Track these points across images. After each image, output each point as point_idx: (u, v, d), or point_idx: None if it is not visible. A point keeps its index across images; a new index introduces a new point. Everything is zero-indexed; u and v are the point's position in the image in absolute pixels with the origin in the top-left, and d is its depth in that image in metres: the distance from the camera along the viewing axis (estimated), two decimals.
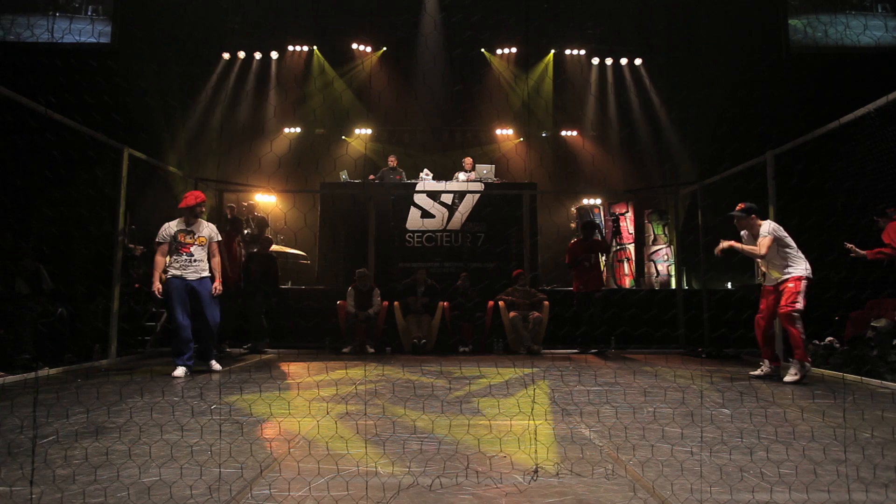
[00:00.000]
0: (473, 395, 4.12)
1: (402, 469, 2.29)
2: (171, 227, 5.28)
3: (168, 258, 5.28)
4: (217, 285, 5.36)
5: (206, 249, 5.34)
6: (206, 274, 5.32)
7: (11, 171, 6.26)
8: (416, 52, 12.68)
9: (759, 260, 5.29)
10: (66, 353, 5.81)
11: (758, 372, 5.28)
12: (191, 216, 5.31)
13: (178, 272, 5.18)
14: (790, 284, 4.90)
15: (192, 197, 5.37)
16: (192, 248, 5.24)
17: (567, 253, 7.91)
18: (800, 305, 4.83)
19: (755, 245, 5.04)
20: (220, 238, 5.48)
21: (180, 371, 5.04)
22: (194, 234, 5.28)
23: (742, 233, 5.24)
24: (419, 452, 2.54)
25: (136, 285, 7.07)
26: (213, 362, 5.47)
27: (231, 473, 2.23)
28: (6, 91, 4.77)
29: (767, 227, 5.01)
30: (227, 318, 7.23)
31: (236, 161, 11.93)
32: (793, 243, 4.99)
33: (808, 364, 4.91)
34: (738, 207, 5.17)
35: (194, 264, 5.23)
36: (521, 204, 9.03)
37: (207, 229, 5.40)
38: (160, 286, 5.19)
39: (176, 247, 5.22)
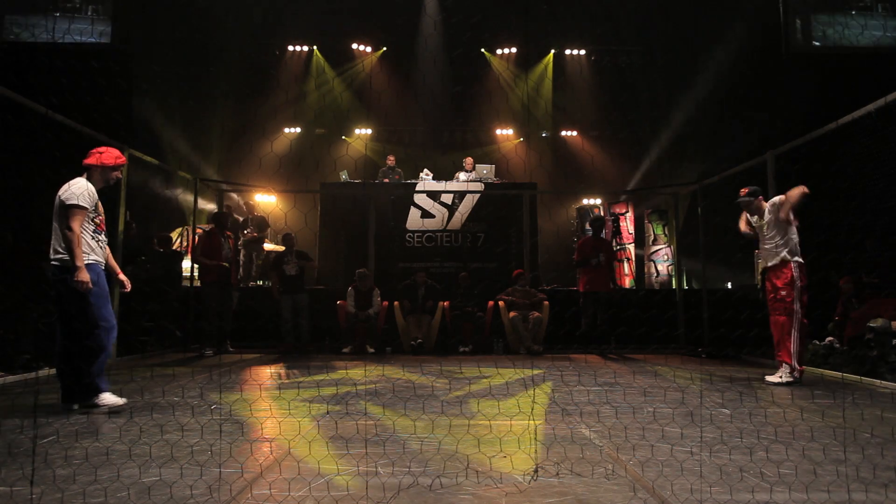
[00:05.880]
0: (473, 395, 4.12)
1: (402, 469, 2.30)
2: (93, 190, 3.59)
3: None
4: (83, 276, 3.41)
5: None
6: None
7: (12, 171, 6.26)
8: (416, 52, 12.69)
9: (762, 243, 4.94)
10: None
11: (776, 378, 4.74)
12: (103, 183, 3.70)
13: (98, 258, 3.62)
14: (786, 271, 4.58)
15: (112, 154, 3.67)
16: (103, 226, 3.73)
17: (576, 250, 7.88)
18: (797, 305, 4.52)
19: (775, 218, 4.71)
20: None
21: (117, 399, 3.52)
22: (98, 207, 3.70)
23: (753, 217, 4.97)
24: (419, 452, 2.54)
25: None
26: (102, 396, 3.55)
27: (231, 473, 2.23)
28: (6, 91, 4.77)
29: (777, 197, 4.80)
30: (224, 319, 7.27)
31: (237, 161, 11.96)
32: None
33: (796, 369, 4.54)
34: (742, 193, 4.94)
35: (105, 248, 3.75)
36: (521, 204, 9.03)
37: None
38: (87, 275, 3.42)
39: (95, 220, 3.61)
